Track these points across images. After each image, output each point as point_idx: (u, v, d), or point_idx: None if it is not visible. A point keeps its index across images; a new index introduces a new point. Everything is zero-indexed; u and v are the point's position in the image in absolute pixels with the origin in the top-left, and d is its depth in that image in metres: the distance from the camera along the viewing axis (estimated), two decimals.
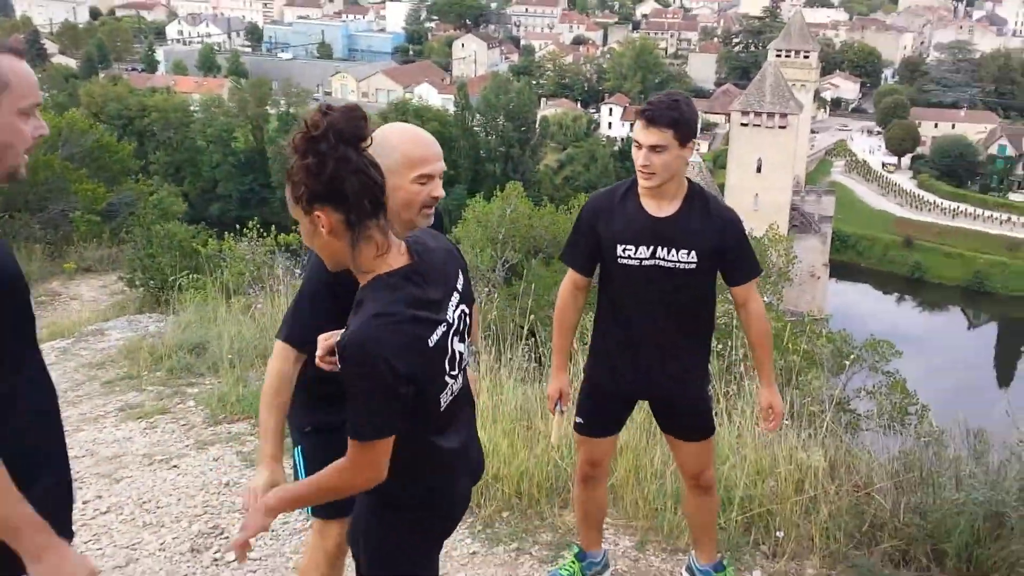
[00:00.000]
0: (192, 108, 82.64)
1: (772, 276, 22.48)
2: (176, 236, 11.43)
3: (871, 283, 72.00)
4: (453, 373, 2.33)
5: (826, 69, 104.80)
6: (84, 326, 8.86)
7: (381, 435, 2.13)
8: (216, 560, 4.06)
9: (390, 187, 2.37)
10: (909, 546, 4.05)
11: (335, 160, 2.08)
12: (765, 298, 14.78)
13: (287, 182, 2.21)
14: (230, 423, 5.63)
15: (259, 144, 79.52)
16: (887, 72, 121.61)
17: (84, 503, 4.63)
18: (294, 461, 3.01)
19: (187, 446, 5.34)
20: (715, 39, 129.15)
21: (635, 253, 3.32)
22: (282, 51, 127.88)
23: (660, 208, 3.34)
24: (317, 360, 2.40)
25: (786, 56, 74.64)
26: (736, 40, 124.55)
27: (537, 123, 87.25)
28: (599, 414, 3.58)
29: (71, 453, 5.37)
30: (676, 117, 3.18)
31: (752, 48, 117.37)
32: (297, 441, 3.01)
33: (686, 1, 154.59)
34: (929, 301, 70.82)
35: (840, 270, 69.15)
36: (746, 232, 3.51)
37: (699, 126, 3.15)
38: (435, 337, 2.20)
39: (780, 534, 4.14)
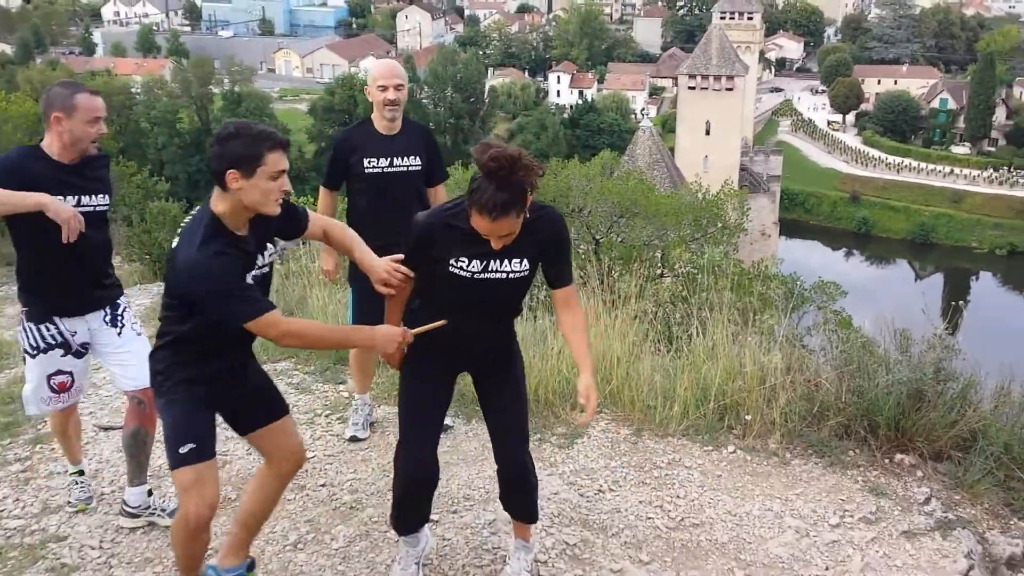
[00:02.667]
0: (134, 90, 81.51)
1: (729, 228, 23.79)
2: (170, 212, 12.18)
3: (820, 240, 73.86)
4: None
5: (770, 30, 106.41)
6: None
7: None
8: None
9: (371, 96, 4.86)
10: (850, 421, 5.08)
11: None
12: (722, 248, 15.88)
13: (514, 197, 3.12)
14: (274, 362, 6.49)
15: (204, 124, 78.90)
16: (830, 30, 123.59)
17: None
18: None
19: None
20: (659, 3, 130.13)
21: None
22: (222, 29, 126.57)
23: None
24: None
25: (730, 18, 75.79)
26: (680, 4, 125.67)
27: (486, 93, 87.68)
28: None
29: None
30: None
31: (696, 11, 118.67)
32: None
33: None
34: (876, 255, 72.89)
35: (790, 228, 70.87)
36: None
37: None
38: None
39: (748, 418, 5.14)
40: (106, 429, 5.62)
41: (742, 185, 58.74)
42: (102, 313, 4.33)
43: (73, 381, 4.40)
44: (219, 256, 3.14)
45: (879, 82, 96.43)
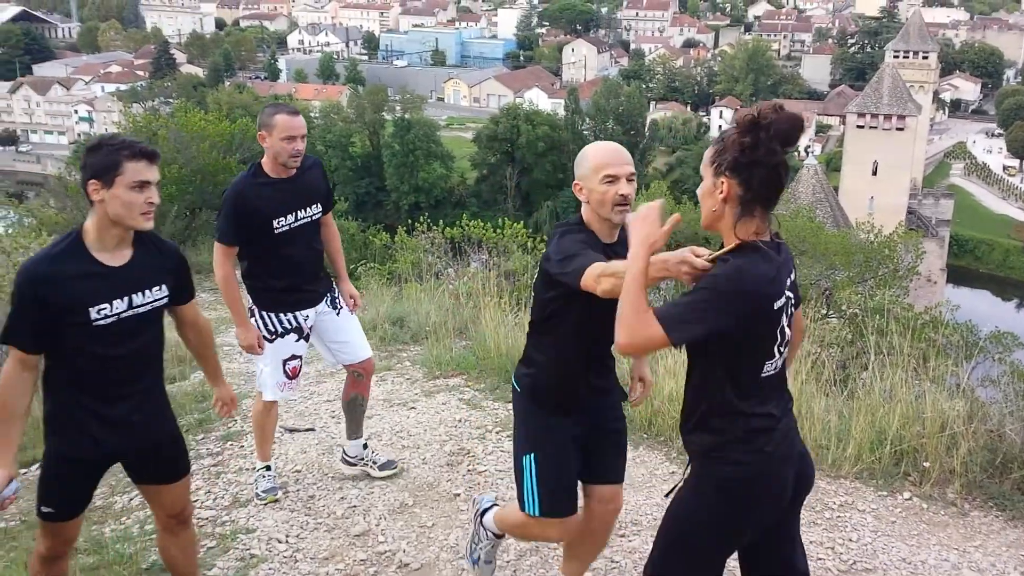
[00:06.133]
0: (312, 115, 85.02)
1: (900, 271, 23.04)
2: (349, 231, 12.76)
3: (990, 289, 70.14)
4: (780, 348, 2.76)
5: (945, 70, 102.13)
6: None
7: None
8: (470, 470, 5.16)
9: (587, 191, 3.28)
10: None
11: (764, 149, 2.60)
12: (892, 291, 15.39)
13: (713, 145, 2.75)
14: (446, 378, 6.76)
15: (375, 149, 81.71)
16: (1009, 72, 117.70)
17: None
18: None
19: (416, 394, 6.50)
20: (829, 40, 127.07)
21: None
22: (397, 59, 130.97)
23: None
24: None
25: (904, 57, 73.25)
26: (851, 41, 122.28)
27: (647, 126, 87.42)
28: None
29: (320, 399, 6.45)
30: None
31: (868, 49, 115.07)
32: None
33: (799, 2, 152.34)
34: None
35: (957, 275, 67.55)
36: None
37: None
38: (778, 302, 2.66)
39: (926, 464, 5.02)
40: (291, 431, 5.97)
41: (909, 228, 56.57)
42: (326, 299, 4.87)
43: (301, 367, 4.93)
44: None
45: None
